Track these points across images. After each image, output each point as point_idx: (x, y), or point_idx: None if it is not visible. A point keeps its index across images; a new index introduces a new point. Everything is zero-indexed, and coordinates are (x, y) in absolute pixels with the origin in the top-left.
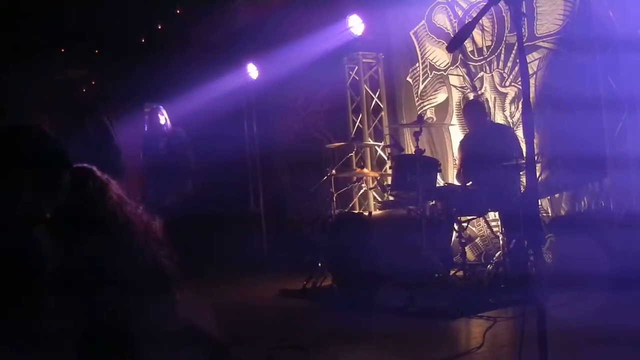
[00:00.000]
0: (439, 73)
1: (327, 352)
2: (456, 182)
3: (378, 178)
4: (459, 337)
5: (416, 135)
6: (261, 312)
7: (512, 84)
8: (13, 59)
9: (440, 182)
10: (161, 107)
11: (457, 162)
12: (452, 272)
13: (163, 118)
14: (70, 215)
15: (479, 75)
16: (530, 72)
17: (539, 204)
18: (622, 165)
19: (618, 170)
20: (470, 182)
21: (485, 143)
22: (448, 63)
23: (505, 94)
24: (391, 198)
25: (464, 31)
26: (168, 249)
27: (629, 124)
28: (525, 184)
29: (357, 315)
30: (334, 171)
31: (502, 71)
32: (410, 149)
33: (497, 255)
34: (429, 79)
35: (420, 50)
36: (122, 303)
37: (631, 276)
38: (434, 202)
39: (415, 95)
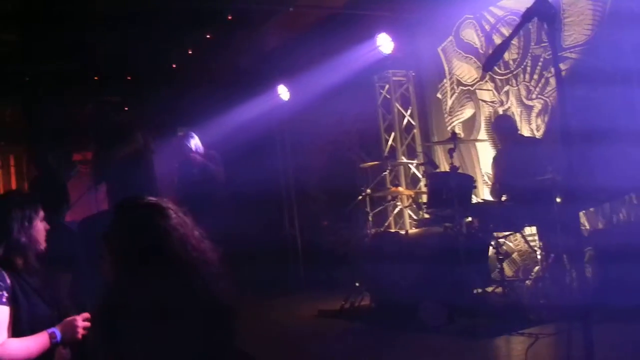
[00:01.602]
0: (465, 88)
1: None
2: (489, 198)
3: (413, 196)
4: (500, 355)
5: (450, 152)
6: (300, 333)
7: (539, 96)
8: (48, 87)
9: (474, 198)
10: (192, 132)
11: (491, 177)
12: (490, 289)
13: (193, 143)
14: (136, 250)
15: (505, 89)
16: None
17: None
18: None
19: None
20: (505, 197)
21: (518, 157)
22: (476, 78)
23: (531, 107)
24: (427, 216)
25: (499, 49)
26: (227, 279)
27: None
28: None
29: (397, 334)
30: (368, 190)
31: (529, 84)
32: (443, 165)
33: (535, 270)
34: (456, 94)
35: (447, 66)
36: (185, 337)
37: None
38: (470, 219)
39: (444, 112)
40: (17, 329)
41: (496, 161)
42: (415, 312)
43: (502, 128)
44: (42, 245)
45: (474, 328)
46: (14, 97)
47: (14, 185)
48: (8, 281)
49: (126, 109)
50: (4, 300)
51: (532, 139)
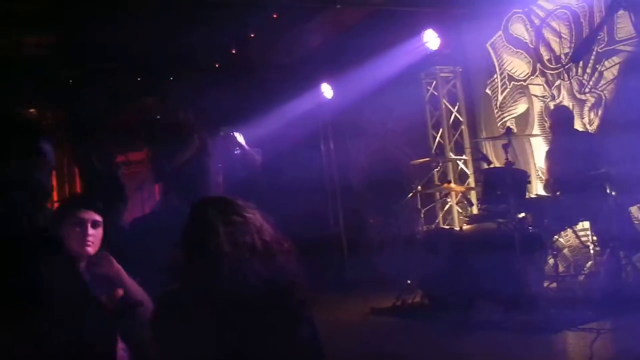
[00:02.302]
0: (518, 83)
1: None
2: (543, 193)
3: (464, 192)
4: (565, 351)
5: (505, 147)
6: (354, 331)
7: (592, 90)
8: (90, 87)
9: (528, 194)
10: (235, 132)
11: (544, 172)
12: (545, 285)
13: (237, 143)
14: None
15: (557, 84)
16: (611, 76)
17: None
18: None
19: None
20: (559, 192)
21: (573, 152)
22: (528, 73)
23: (584, 102)
24: (475, 212)
25: (589, 40)
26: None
27: None
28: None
29: (453, 332)
30: (419, 187)
31: (582, 78)
32: (493, 161)
33: (588, 265)
34: (508, 89)
35: (497, 61)
36: (251, 326)
37: None
38: (523, 214)
39: (494, 107)
40: None
41: (549, 155)
42: (470, 308)
43: (561, 119)
44: None
45: (532, 324)
46: (54, 99)
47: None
48: None
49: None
50: None
51: (586, 133)
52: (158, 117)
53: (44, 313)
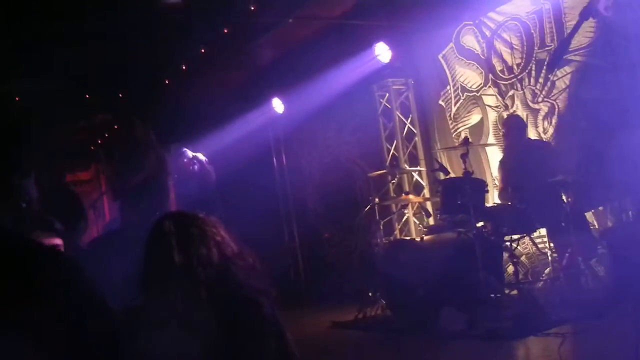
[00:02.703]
0: (471, 94)
1: None
2: (499, 202)
3: (421, 203)
4: (532, 356)
5: (463, 157)
6: (318, 345)
7: (545, 99)
8: (38, 106)
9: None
10: (186, 149)
11: (498, 181)
12: (507, 292)
13: (189, 160)
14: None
15: (510, 94)
16: (563, 86)
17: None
18: None
19: None
20: (516, 199)
21: (528, 160)
22: (480, 84)
23: (537, 110)
24: (431, 222)
25: (561, 49)
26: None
27: None
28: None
29: (419, 341)
30: (377, 200)
31: (534, 87)
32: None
33: (546, 271)
34: (461, 100)
35: (450, 72)
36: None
37: None
38: (482, 223)
39: (448, 118)
40: None
41: (503, 164)
42: (434, 318)
43: (514, 128)
44: None
45: (497, 331)
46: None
47: None
48: None
49: (115, 127)
50: None
51: (539, 142)
52: (107, 135)
53: None
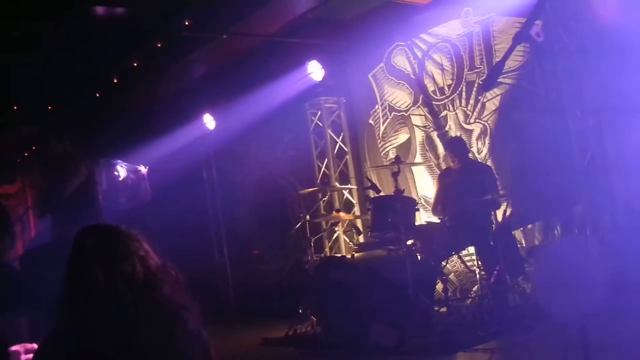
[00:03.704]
0: (399, 114)
1: None
2: (432, 217)
3: (352, 220)
4: None
5: (394, 175)
6: None
7: (477, 120)
8: None
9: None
10: (119, 161)
11: (429, 200)
12: (436, 309)
13: (123, 171)
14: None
15: (443, 114)
16: (494, 107)
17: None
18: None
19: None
20: (446, 217)
21: (466, 179)
22: (409, 104)
23: (470, 131)
24: (362, 240)
25: (495, 70)
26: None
27: (597, 152)
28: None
29: (349, 357)
30: (308, 217)
31: (465, 109)
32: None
33: (474, 289)
34: (389, 120)
35: (379, 92)
36: None
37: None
38: (412, 241)
39: (377, 137)
40: None
41: (441, 179)
42: (365, 335)
43: (455, 148)
44: None
45: (427, 347)
46: None
47: None
48: None
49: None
50: None
51: (480, 163)
52: (34, 147)
53: None
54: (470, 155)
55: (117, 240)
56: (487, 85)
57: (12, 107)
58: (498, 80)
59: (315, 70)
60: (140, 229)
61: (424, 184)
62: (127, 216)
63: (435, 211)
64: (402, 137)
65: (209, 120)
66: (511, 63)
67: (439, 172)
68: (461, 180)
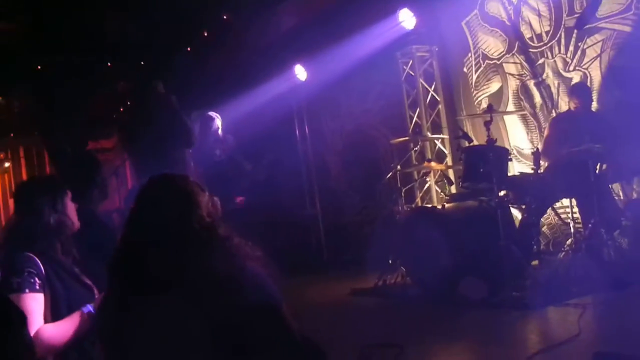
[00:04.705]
0: (492, 62)
1: (423, 348)
2: (521, 171)
3: (443, 171)
4: (551, 326)
5: (487, 125)
6: (337, 311)
7: (577, 68)
8: (60, 76)
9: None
10: (214, 114)
11: (544, 139)
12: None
13: (217, 125)
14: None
15: (540, 62)
16: (594, 54)
17: (611, 188)
18: None
19: None
20: (547, 164)
21: (579, 125)
22: (502, 51)
23: (570, 79)
24: (453, 190)
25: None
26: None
27: None
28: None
29: (439, 310)
30: (399, 167)
31: (565, 56)
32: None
33: (568, 242)
34: (482, 68)
35: (472, 40)
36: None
37: None
38: (505, 192)
39: (470, 86)
40: (56, 313)
41: (554, 125)
42: (454, 287)
43: (584, 93)
44: (76, 224)
45: (517, 301)
46: (23, 88)
47: (24, 177)
48: (41, 267)
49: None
50: (37, 287)
51: (599, 114)
52: (129, 102)
53: None
54: (565, 104)
55: (182, 191)
56: (580, 25)
57: (106, 64)
58: (599, 25)
59: (406, 18)
60: (238, 178)
61: (516, 134)
62: (225, 167)
63: (545, 156)
64: (495, 85)
65: (300, 72)
66: (613, 6)
67: (534, 122)
68: (575, 127)
